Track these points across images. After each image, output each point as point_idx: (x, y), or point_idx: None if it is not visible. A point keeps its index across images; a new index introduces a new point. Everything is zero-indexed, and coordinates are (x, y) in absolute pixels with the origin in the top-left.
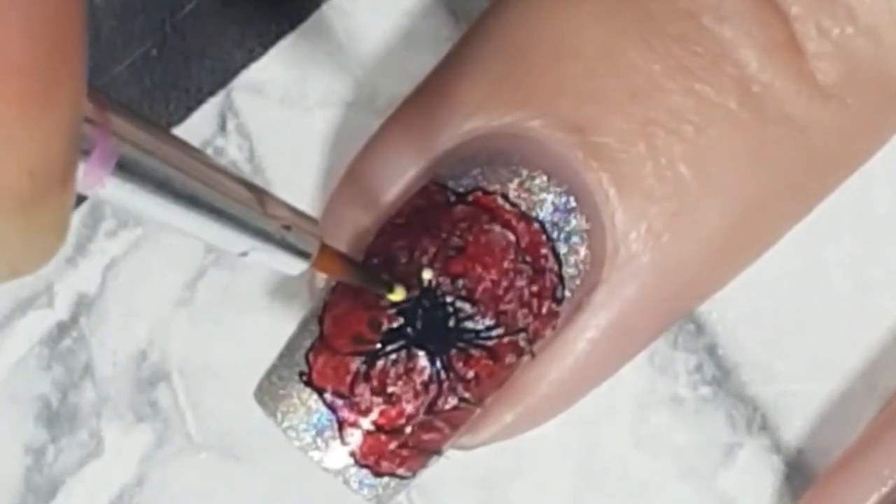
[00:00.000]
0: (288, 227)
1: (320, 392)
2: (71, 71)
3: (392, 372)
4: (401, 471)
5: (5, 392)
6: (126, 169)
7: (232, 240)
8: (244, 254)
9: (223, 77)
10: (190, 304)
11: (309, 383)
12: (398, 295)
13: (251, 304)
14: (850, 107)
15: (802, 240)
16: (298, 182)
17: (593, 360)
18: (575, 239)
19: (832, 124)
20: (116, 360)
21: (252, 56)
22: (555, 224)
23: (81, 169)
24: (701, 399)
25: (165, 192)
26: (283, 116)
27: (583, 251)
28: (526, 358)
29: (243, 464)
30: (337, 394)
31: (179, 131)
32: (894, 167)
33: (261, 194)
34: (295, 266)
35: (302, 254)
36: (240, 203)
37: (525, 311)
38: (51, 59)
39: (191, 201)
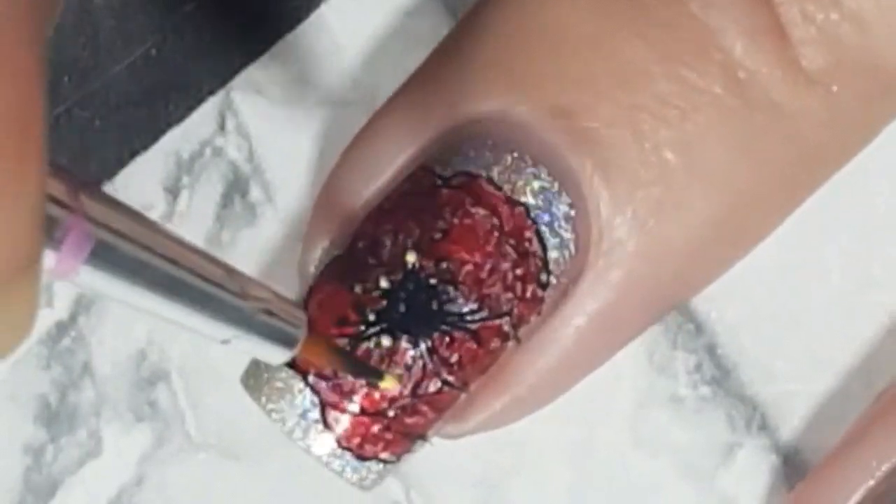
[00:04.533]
0: (271, 313)
1: (304, 375)
2: (31, 159)
3: (375, 354)
4: (385, 455)
5: (4, 391)
6: (100, 256)
7: (213, 327)
8: (226, 341)
9: (223, 76)
10: None
11: (293, 366)
12: (389, 383)
13: None
14: (836, 95)
15: (801, 238)
16: (298, 182)
17: (581, 348)
18: (560, 223)
19: (820, 113)
20: (116, 359)
21: (251, 56)
22: (540, 208)
23: (53, 258)
24: (700, 399)
25: (142, 279)
26: (283, 116)
27: (567, 236)
28: (511, 343)
29: (243, 464)
30: (320, 376)
31: (178, 131)
32: (893, 165)
33: (242, 278)
34: (280, 355)
35: (286, 341)
36: (221, 289)
37: (509, 294)
38: (8, 148)
39: (169, 289)
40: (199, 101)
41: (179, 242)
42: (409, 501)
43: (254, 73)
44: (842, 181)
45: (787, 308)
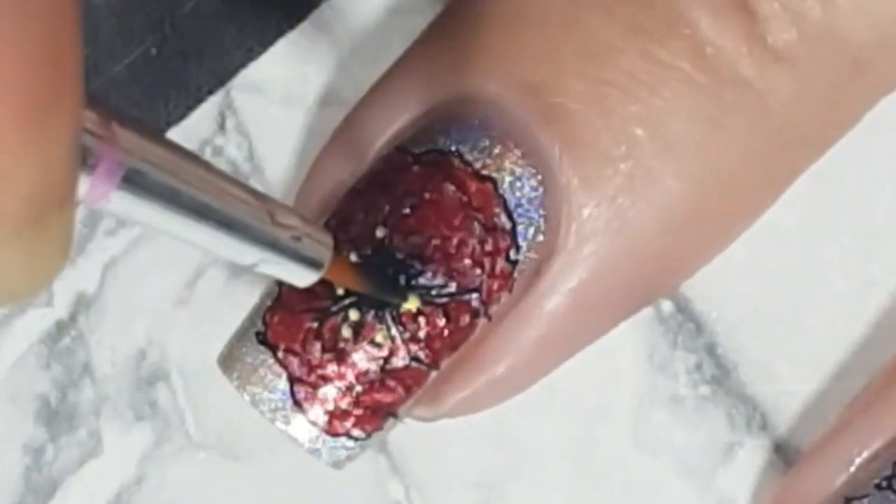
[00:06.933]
0: (298, 238)
1: (274, 349)
2: (67, 92)
3: (343, 329)
4: (355, 431)
5: (4, 391)
6: (132, 182)
7: (242, 251)
8: (254, 265)
9: (222, 76)
10: (189, 303)
11: (263, 342)
12: (412, 303)
13: (250, 302)
14: (803, 71)
15: (801, 239)
16: (297, 181)
17: (557, 328)
18: (529, 200)
19: (787, 88)
20: (115, 359)
21: (251, 55)
22: (509, 185)
23: (86, 183)
24: (700, 398)
25: (172, 204)
26: (283, 115)
27: (537, 213)
28: (482, 321)
29: (243, 463)
30: (289, 351)
31: (178, 130)
32: (893, 165)
33: (271, 204)
34: (305, 277)
35: (313, 264)
36: (249, 214)
37: (478, 270)
38: (45, 82)
39: (199, 213)
40: (199, 100)
41: (209, 169)
42: (409, 501)
43: (254, 72)
44: (842, 181)
45: (787, 308)
